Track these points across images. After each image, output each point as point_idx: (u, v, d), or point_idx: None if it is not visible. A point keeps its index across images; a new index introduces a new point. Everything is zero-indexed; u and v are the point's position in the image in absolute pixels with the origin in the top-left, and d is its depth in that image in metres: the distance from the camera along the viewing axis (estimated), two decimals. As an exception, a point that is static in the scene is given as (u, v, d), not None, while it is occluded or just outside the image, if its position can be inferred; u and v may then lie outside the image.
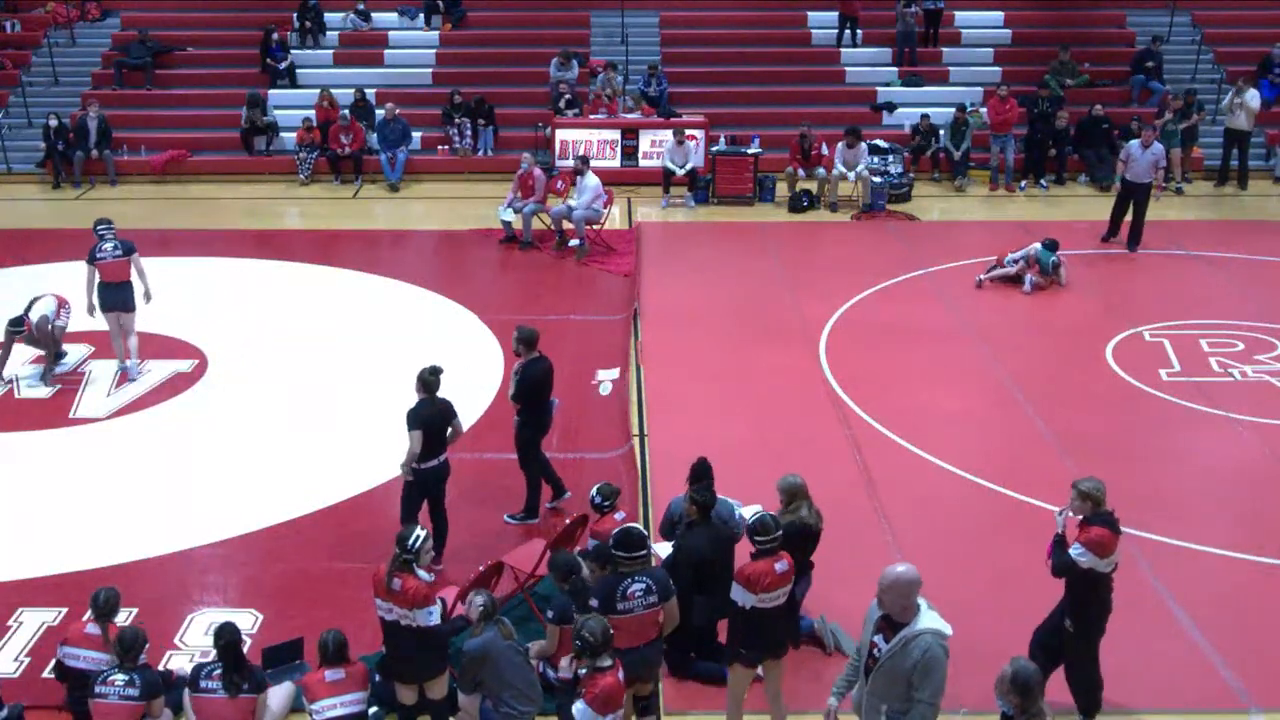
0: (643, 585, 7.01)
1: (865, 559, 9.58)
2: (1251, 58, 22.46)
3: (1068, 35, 23.04)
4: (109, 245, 12.54)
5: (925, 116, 20.86)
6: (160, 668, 7.97)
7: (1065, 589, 7.49)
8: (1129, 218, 17.08)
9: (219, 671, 6.95)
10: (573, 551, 8.34)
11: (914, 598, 6.09)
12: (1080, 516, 7.37)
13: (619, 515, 8.65)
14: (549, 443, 11.22)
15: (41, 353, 12.87)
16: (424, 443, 9.03)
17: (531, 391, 9.97)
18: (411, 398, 9.16)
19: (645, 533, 7.33)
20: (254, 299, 15.44)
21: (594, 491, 8.71)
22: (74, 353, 13.31)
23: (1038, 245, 15.74)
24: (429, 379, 9.15)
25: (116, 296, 12.59)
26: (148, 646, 7.33)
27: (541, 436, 10.28)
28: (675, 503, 8.48)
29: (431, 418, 9.08)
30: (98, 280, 12.53)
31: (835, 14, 23.46)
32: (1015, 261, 15.70)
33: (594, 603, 6.93)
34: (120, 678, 7.02)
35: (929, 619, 6.07)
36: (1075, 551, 7.26)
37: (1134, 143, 17.06)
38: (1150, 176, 16.78)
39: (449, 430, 9.23)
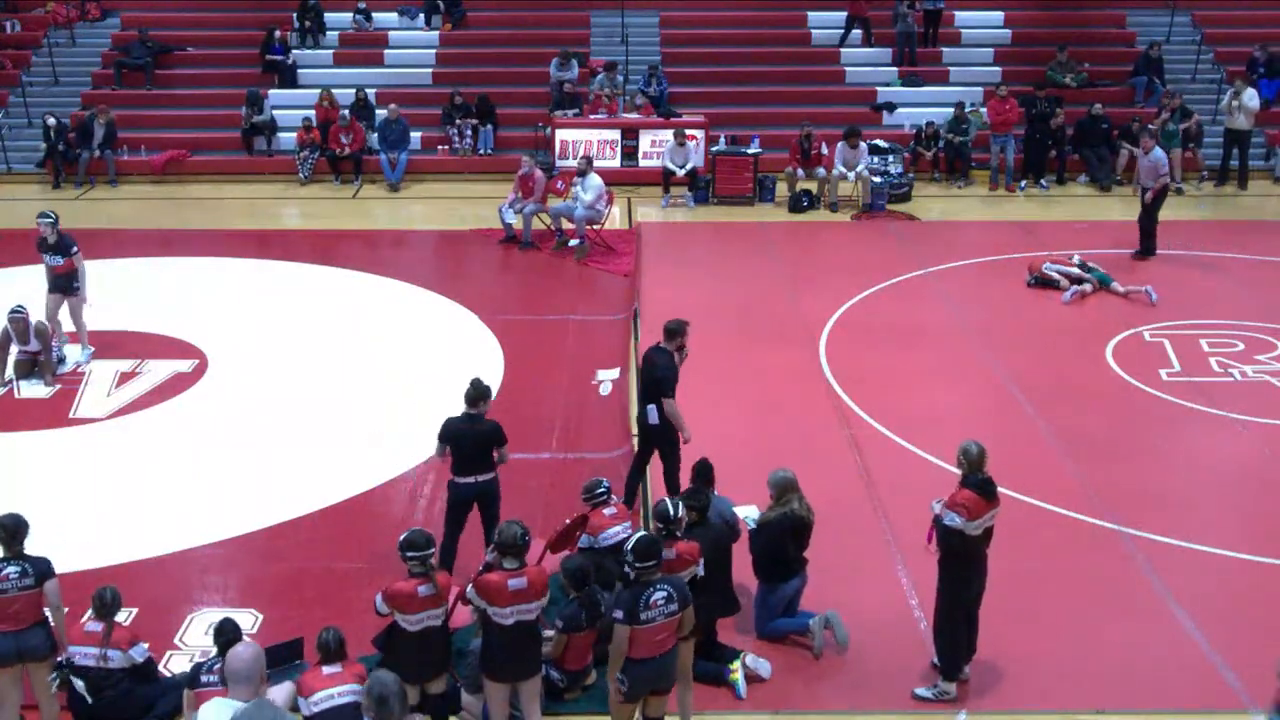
0: (664, 593, 6.86)
1: (864, 558, 9.61)
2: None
3: (1068, 35, 23.05)
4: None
5: (931, 123, 20.86)
6: (161, 668, 7.99)
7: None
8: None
9: (219, 665, 6.94)
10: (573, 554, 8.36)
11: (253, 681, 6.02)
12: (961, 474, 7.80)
13: (609, 511, 8.68)
14: (549, 443, 11.23)
15: (30, 347, 12.78)
16: (457, 460, 8.85)
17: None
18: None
19: (660, 539, 7.24)
20: (254, 299, 15.42)
21: (584, 487, 8.78)
22: (73, 353, 13.30)
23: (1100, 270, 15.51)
24: (469, 393, 8.85)
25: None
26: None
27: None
28: (675, 504, 8.49)
29: (459, 434, 8.82)
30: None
31: (834, 14, 23.47)
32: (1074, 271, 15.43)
33: (618, 614, 6.77)
34: (12, 570, 6.99)
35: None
36: (939, 509, 7.74)
37: (1136, 150, 16.93)
38: (1150, 181, 16.44)
39: (495, 454, 8.89)
